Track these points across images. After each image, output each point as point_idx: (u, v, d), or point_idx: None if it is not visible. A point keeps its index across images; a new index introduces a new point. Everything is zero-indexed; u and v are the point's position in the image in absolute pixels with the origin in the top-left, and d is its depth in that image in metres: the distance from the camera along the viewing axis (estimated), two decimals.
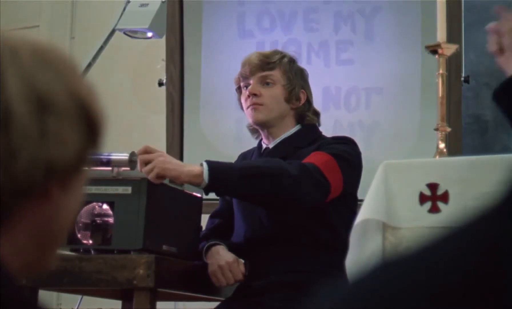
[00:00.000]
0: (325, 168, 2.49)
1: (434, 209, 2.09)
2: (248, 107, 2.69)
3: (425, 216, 2.09)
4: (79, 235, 2.44)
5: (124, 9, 3.90)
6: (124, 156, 2.41)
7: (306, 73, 2.81)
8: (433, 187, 2.10)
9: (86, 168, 0.92)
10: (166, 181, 2.43)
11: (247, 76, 2.71)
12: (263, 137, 2.77)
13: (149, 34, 3.90)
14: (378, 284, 0.58)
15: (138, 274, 2.35)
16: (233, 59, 3.53)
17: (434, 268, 0.57)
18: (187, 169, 2.38)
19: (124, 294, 2.75)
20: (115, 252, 2.41)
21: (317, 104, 2.87)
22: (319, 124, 2.80)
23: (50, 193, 0.88)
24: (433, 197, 2.10)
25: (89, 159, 0.92)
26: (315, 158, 2.53)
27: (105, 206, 2.45)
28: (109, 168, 2.42)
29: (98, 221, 2.46)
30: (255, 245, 2.62)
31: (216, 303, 2.70)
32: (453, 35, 3.24)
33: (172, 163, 2.38)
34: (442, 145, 2.38)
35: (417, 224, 2.09)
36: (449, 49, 2.44)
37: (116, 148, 2.34)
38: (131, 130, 4.52)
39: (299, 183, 2.41)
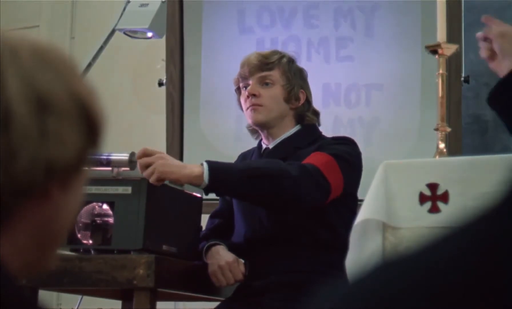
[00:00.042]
0: (326, 169, 2.49)
1: (434, 209, 2.09)
2: (247, 109, 2.69)
3: (425, 216, 2.09)
4: (79, 235, 2.44)
5: (124, 9, 3.90)
6: (124, 156, 2.41)
7: (305, 73, 2.81)
8: (433, 187, 2.10)
9: (86, 168, 0.92)
10: (166, 181, 2.43)
11: (246, 77, 2.71)
12: (263, 137, 2.77)
13: (149, 34, 3.90)
14: (378, 284, 0.58)
15: (138, 274, 2.35)
16: (233, 56, 3.53)
17: (434, 268, 0.57)
18: (187, 171, 2.37)
19: (124, 294, 2.75)
20: (115, 252, 2.41)
21: (317, 100, 2.87)
22: (319, 124, 2.80)
23: (50, 193, 0.88)
24: (433, 197, 2.10)
25: (89, 159, 0.92)
26: (316, 159, 2.53)
27: (105, 206, 2.45)
28: (109, 168, 2.42)
29: (98, 221, 2.46)
30: (255, 245, 2.62)
31: (216, 303, 2.70)
32: (453, 35, 3.24)
33: (172, 165, 2.37)
34: (442, 145, 2.38)
35: (417, 224, 2.09)
36: (449, 49, 2.44)
37: (116, 149, 2.34)
38: (131, 130, 4.52)
39: (299, 184, 2.41)
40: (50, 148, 0.86)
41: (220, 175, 2.39)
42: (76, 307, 3.43)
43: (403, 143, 3.64)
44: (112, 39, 3.92)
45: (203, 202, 2.67)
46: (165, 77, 3.99)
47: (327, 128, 2.83)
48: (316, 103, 2.84)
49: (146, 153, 2.36)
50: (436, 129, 2.41)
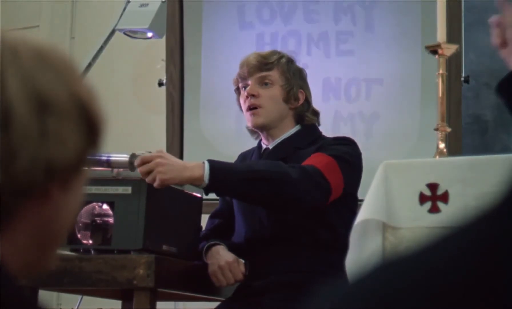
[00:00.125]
0: (326, 170, 2.49)
1: (434, 209, 2.09)
2: (247, 110, 2.69)
3: (425, 216, 2.09)
4: (79, 235, 2.44)
5: (124, 9, 3.90)
6: (124, 157, 2.41)
7: (304, 73, 2.80)
8: (433, 187, 2.10)
9: (86, 168, 0.92)
10: None
11: (245, 77, 2.71)
12: (262, 138, 2.76)
13: (149, 34, 3.90)
14: (378, 284, 0.58)
15: (138, 274, 2.35)
16: (233, 56, 3.53)
17: (434, 268, 0.57)
18: (187, 174, 2.36)
19: (124, 294, 2.75)
20: (115, 252, 2.41)
21: (317, 95, 2.86)
22: (319, 124, 2.79)
23: (50, 193, 0.88)
24: (433, 197, 2.10)
25: (89, 159, 0.92)
26: (316, 160, 2.53)
27: (105, 206, 2.45)
28: (109, 168, 2.42)
29: (98, 221, 2.46)
30: (255, 245, 2.62)
31: (216, 303, 2.70)
32: (453, 35, 3.24)
33: (172, 170, 2.34)
34: (442, 145, 2.38)
35: (417, 224, 2.09)
36: (449, 49, 2.44)
37: (116, 149, 2.34)
38: (131, 130, 4.52)
39: (299, 185, 2.41)
40: (50, 149, 0.86)
41: (220, 175, 2.38)
42: (76, 307, 3.43)
43: (403, 143, 3.64)
44: (112, 39, 3.92)
45: (203, 202, 2.67)
46: (165, 77, 4.00)
47: (328, 123, 2.83)
48: (316, 98, 2.83)
49: (144, 161, 2.35)
50: (436, 129, 2.41)
